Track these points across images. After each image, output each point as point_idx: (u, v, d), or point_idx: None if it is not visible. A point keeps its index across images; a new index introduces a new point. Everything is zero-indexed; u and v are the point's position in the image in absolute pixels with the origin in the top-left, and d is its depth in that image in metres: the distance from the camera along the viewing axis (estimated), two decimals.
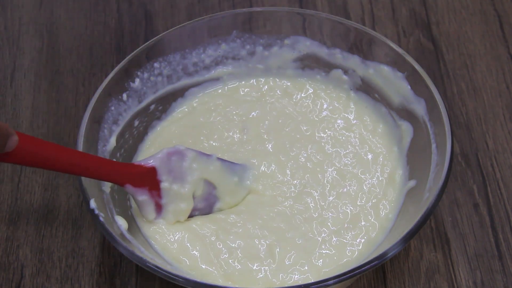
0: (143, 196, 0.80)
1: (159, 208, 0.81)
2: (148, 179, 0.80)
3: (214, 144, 0.88)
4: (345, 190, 0.84)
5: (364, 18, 1.05)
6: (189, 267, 0.79)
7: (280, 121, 0.90)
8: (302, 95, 0.92)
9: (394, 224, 0.81)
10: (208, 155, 0.83)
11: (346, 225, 0.81)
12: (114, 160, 0.84)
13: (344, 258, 0.79)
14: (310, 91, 0.92)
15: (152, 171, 0.80)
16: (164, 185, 0.81)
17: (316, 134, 0.89)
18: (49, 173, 0.92)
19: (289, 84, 0.93)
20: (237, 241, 0.81)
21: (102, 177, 0.78)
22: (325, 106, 0.91)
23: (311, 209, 0.83)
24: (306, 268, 0.79)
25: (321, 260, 0.79)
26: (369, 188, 0.84)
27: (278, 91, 0.93)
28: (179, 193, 0.81)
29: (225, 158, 0.86)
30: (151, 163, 0.80)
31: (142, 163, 0.80)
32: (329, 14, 0.90)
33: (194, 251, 0.80)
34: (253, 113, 0.91)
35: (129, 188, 0.79)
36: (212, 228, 0.82)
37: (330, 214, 0.82)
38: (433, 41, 1.02)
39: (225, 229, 0.82)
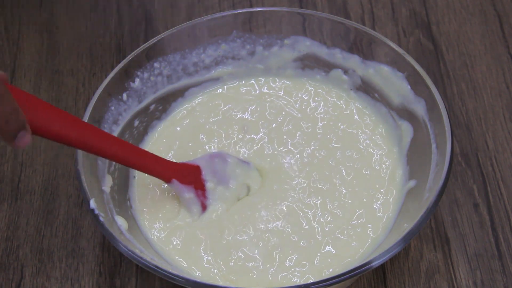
0: (189, 194, 0.82)
1: (204, 207, 0.82)
2: (194, 177, 0.82)
3: (215, 145, 0.88)
4: (345, 190, 0.84)
5: (364, 18, 1.05)
6: (189, 267, 0.79)
7: (279, 121, 0.90)
8: (302, 95, 0.92)
9: (394, 224, 0.81)
10: (246, 163, 0.85)
11: (346, 226, 0.81)
12: (113, 162, 0.84)
13: (344, 258, 0.79)
14: (310, 91, 0.92)
15: (197, 170, 0.82)
16: (209, 185, 0.82)
17: (316, 135, 0.89)
18: (49, 173, 0.92)
19: (289, 84, 0.93)
20: (238, 242, 0.81)
21: (150, 171, 0.80)
22: (325, 106, 0.91)
23: (311, 209, 0.83)
24: (306, 268, 0.79)
25: (321, 260, 0.79)
26: (369, 188, 0.84)
27: (278, 91, 0.93)
28: (224, 195, 0.83)
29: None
30: (196, 162, 0.83)
31: (188, 163, 0.82)
32: (329, 14, 0.90)
33: (194, 251, 0.80)
34: (253, 113, 0.91)
35: (175, 184, 0.81)
36: (213, 228, 0.82)
37: (330, 214, 0.82)
38: (433, 41, 1.02)
39: (226, 229, 0.82)
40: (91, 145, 0.74)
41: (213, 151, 0.86)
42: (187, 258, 0.80)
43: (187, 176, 0.82)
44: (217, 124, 0.90)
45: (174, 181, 0.81)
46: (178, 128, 0.90)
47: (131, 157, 0.79)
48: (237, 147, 0.88)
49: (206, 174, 0.83)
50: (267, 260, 0.79)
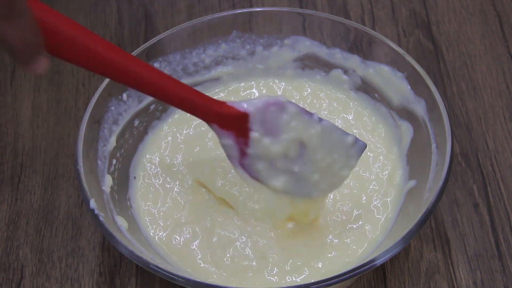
0: (228, 140, 0.73)
1: (242, 154, 0.74)
2: (237, 124, 0.73)
3: (221, 155, 0.88)
4: (346, 191, 0.84)
5: (364, 18, 1.05)
6: (189, 267, 0.79)
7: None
8: (302, 95, 0.92)
9: (394, 224, 0.81)
10: (310, 114, 0.75)
11: (346, 226, 0.81)
12: (116, 158, 0.84)
13: (344, 258, 0.79)
14: (310, 91, 0.92)
15: (244, 117, 0.72)
16: (254, 134, 0.73)
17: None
18: (49, 173, 0.92)
19: (288, 84, 0.93)
20: (239, 242, 0.81)
21: (188, 107, 0.71)
22: (324, 106, 0.91)
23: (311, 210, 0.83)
24: (306, 268, 0.79)
25: (321, 260, 0.79)
26: (369, 188, 0.84)
27: (278, 91, 0.93)
28: (269, 149, 0.74)
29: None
30: (245, 108, 0.72)
31: (235, 106, 0.72)
32: (329, 14, 0.90)
33: (195, 251, 0.80)
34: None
35: (214, 128, 0.72)
36: (214, 229, 0.82)
37: (330, 214, 0.82)
38: (433, 41, 1.02)
39: (227, 230, 0.82)
40: (122, 70, 0.65)
41: (275, 95, 0.76)
42: (188, 258, 0.80)
43: (230, 122, 0.72)
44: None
45: (214, 125, 0.72)
46: (181, 135, 0.90)
47: (170, 87, 0.69)
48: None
49: (253, 123, 0.73)
50: (269, 260, 0.79)
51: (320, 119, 0.75)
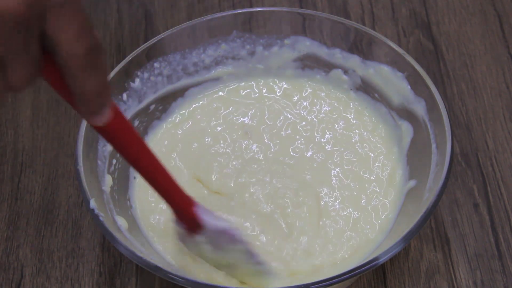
0: (179, 227, 0.75)
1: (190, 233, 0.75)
2: (194, 227, 0.74)
3: (218, 150, 0.88)
4: (346, 192, 0.84)
5: (364, 18, 1.05)
6: (189, 267, 0.79)
7: (279, 122, 0.90)
8: (302, 95, 0.92)
9: (394, 224, 0.81)
10: (254, 255, 0.77)
11: (346, 226, 0.81)
12: (116, 158, 0.84)
13: (344, 258, 0.79)
14: (310, 91, 0.92)
15: (200, 228, 0.74)
16: (200, 238, 0.75)
17: (316, 135, 0.89)
18: (49, 173, 0.92)
19: (288, 84, 0.93)
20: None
21: (169, 201, 0.72)
22: (324, 106, 0.91)
23: (312, 210, 0.83)
24: (306, 268, 0.79)
25: (321, 260, 0.79)
26: (369, 188, 0.84)
27: (277, 92, 0.93)
28: (205, 252, 0.76)
29: (233, 163, 0.86)
30: (205, 220, 0.74)
31: (199, 213, 0.74)
32: (329, 14, 0.90)
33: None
34: (254, 115, 0.91)
35: (175, 218, 0.74)
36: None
37: (331, 214, 0.82)
38: (433, 41, 1.02)
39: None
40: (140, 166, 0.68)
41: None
42: (188, 258, 0.80)
43: (188, 222, 0.74)
44: (218, 127, 0.90)
45: (175, 217, 0.74)
46: (180, 131, 0.90)
47: (157, 180, 0.71)
48: (240, 153, 0.87)
49: (203, 235, 0.74)
50: (270, 260, 0.79)
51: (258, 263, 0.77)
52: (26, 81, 0.57)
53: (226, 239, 0.75)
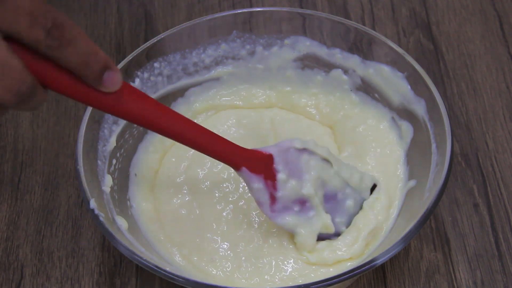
0: (258, 184, 0.77)
1: (273, 200, 0.78)
2: (265, 167, 0.76)
3: None
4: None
5: (364, 18, 1.05)
6: (189, 267, 0.79)
7: (279, 122, 0.90)
8: (302, 95, 0.92)
9: (394, 224, 0.81)
10: (326, 161, 0.79)
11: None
12: (116, 158, 0.84)
13: (344, 258, 0.79)
14: (310, 91, 0.92)
15: (269, 158, 0.76)
16: (281, 176, 0.77)
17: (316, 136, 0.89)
18: (49, 173, 0.92)
19: (289, 84, 0.93)
20: (239, 244, 0.81)
21: (218, 156, 0.75)
22: (324, 106, 0.91)
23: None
24: (307, 269, 0.79)
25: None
26: (369, 188, 0.84)
27: (277, 92, 0.93)
28: (297, 191, 0.78)
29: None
30: (268, 150, 0.77)
31: (259, 150, 0.76)
32: (329, 14, 0.90)
33: (196, 250, 0.80)
34: (255, 115, 0.91)
35: (244, 172, 0.75)
36: (215, 230, 0.82)
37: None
38: (433, 41, 1.02)
39: (228, 232, 0.82)
40: (156, 123, 0.69)
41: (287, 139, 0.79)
42: (188, 258, 0.80)
43: (258, 165, 0.76)
44: (218, 127, 0.90)
45: (244, 169, 0.75)
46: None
47: (199, 139, 0.73)
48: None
49: (278, 164, 0.76)
50: (270, 260, 0.79)
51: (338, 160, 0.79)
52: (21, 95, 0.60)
53: (294, 153, 0.77)
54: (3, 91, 0.59)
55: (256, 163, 0.76)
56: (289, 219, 0.78)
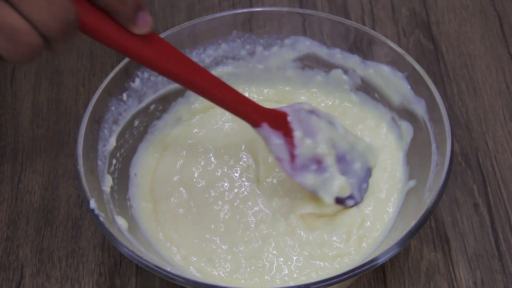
0: (278, 139, 0.78)
1: (292, 157, 0.79)
2: (282, 123, 0.78)
3: (221, 151, 0.88)
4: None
5: (364, 18, 1.05)
6: (189, 267, 0.79)
7: None
8: (302, 95, 0.92)
9: (394, 224, 0.81)
10: (331, 123, 0.82)
11: (347, 226, 0.81)
12: (116, 158, 0.84)
13: (344, 258, 0.79)
14: (310, 91, 0.92)
15: (285, 116, 0.78)
16: (297, 133, 0.78)
17: None
18: (49, 173, 0.92)
19: (289, 84, 0.93)
20: (240, 245, 0.81)
21: (238, 111, 0.76)
22: (325, 106, 0.91)
23: (312, 209, 0.83)
24: (307, 269, 0.79)
25: (321, 260, 0.79)
26: (369, 188, 0.84)
27: (277, 92, 0.93)
28: (313, 149, 0.79)
29: (240, 163, 0.86)
30: (283, 109, 0.78)
31: (275, 108, 0.78)
32: (329, 14, 0.90)
33: (195, 252, 0.80)
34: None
35: (265, 128, 0.77)
36: (215, 230, 0.82)
37: (331, 214, 0.82)
38: (433, 41, 1.02)
39: (229, 232, 0.82)
40: (181, 74, 0.71)
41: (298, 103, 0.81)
42: (188, 258, 0.80)
43: (277, 121, 0.77)
44: (218, 127, 0.90)
45: (264, 125, 0.76)
46: (180, 131, 0.90)
47: (221, 94, 0.74)
48: (243, 152, 0.88)
49: (293, 122, 0.78)
50: (270, 261, 0.79)
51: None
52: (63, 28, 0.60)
53: (305, 113, 0.79)
54: (51, 18, 0.59)
55: (275, 120, 0.77)
56: (309, 177, 0.79)
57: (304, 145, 0.79)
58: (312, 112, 0.81)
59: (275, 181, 0.84)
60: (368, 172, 0.84)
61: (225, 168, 0.86)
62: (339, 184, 0.80)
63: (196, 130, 0.90)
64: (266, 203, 0.83)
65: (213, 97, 0.75)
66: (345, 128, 0.84)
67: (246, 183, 0.85)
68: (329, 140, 0.80)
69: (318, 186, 0.80)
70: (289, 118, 0.78)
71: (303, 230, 0.81)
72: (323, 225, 0.82)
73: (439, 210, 0.87)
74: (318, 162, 0.80)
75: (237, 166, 0.86)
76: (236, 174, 0.85)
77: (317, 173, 0.80)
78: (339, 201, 0.81)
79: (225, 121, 0.90)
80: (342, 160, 0.82)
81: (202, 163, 0.86)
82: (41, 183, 0.91)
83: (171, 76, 0.71)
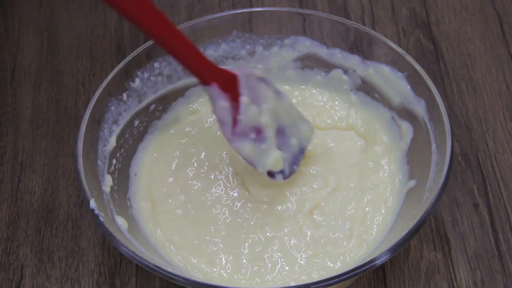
0: (225, 103, 0.77)
1: (235, 123, 0.78)
2: (232, 86, 0.77)
3: (220, 153, 0.88)
4: (345, 192, 0.84)
5: (364, 18, 1.05)
6: (189, 267, 0.79)
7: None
8: (302, 95, 0.92)
9: (394, 224, 0.81)
10: (279, 92, 0.81)
11: (347, 225, 0.81)
12: (116, 158, 0.84)
13: (344, 257, 0.79)
14: (310, 91, 0.92)
15: (235, 79, 0.77)
16: (244, 99, 0.78)
17: (316, 135, 0.89)
18: (49, 173, 0.92)
19: (289, 84, 0.93)
20: (240, 245, 0.81)
21: (191, 67, 0.75)
22: (325, 106, 0.91)
23: (313, 209, 0.83)
24: (309, 268, 0.79)
25: (321, 260, 0.79)
26: (369, 187, 0.84)
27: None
28: (256, 118, 0.78)
29: (239, 163, 0.86)
30: (234, 71, 0.77)
31: (227, 69, 0.77)
32: (329, 14, 0.90)
33: (195, 253, 0.80)
34: None
35: (214, 89, 0.76)
36: (215, 230, 0.82)
37: (330, 214, 0.82)
38: (433, 41, 1.02)
39: (229, 232, 0.81)
40: (143, 20, 0.70)
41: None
42: (188, 258, 0.80)
43: (227, 83, 0.76)
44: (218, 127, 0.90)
45: (214, 85, 0.76)
46: (180, 131, 0.90)
47: (178, 45, 0.74)
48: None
49: (242, 87, 0.77)
50: (271, 261, 0.79)
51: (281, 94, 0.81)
52: None
53: (256, 80, 0.78)
54: None
55: (225, 81, 0.76)
56: (246, 145, 0.78)
57: (249, 112, 0.78)
58: (261, 79, 0.79)
59: (261, 190, 0.84)
60: (301, 152, 0.83)
61: (216, 172, 0.86)
62: (274, 158, 0.80)
63: (188, 128, 0.90)
64: (268, 207, 0.83)
65: (169, 48, 0.73)
66: (291, 102, 0.83)
67: (239, 187, 0.85)
68: (273, 111, 0.79)
69: (254, 156, 0.79)
70: (239, 82, 0.77)
71: (310, 228, 0.81)
72: (328, 221, 0.82)
73: (439, 210, 0.87)
74: (258, 132, 0.79)
75: (229, 168, 0.86)
76: (230, 177, 0.85)
77: (255, 142, 0.79)
78: (270, 174, 0.81)
79: (214, 120, 0.90)
80: (281, 133, 0.81)
81: (195, 165, 0.86)
82: (41, 183, 0.91)
83: (133, 20, 0.70)
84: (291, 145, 0.82)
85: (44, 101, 0.98)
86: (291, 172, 0.82)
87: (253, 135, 0.79)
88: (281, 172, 0.81)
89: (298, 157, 0.83)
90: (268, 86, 0.80)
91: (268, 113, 0.79)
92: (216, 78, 0.76)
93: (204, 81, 0.76)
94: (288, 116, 0.81)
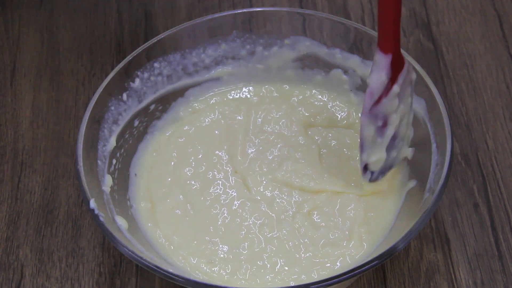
0: (386, 78, 0.76)
1: (377, 102, 0.77)
2: (395, 69, 0.76)
3: (219, 152, 0.88)
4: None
5: (364, 18, 1.05)
6: (188, 267, 0.79)
7: (280, 122, 0.90)
8: (302, 95, 0.92)
9: (394, 224, 0.81)
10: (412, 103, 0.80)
11: (347, 225, 0.81)
12: (116, 158, 0.84)
13: (344, 258, 0.79)
14: (310, 91, 0.92)
15: (403, 66, 0.76)
16: (396, 88, 0.77)
17: (316, 135, 0.89)
18: (49, 173, 0.92)
19: (289, 84, 0.93)
20: (240, 245, 0.81)
21: (387, 30, 0.75)
22: (325, 106, 0.91)
23: (312, 209, 0.83)
24: (309, 268, 0.79)
25: (321, 260, 0.79)
26: (369, 187, 0.84)
27: (277, 92, 0.93)
28: (392, 111, 0.78)
29: (238, 162, 0.86)
30: (405, 58, 0.76)
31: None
32: (329, 14, 0.90)
33: (195, 253, 0.80)
34: (254, 115, 0.91)
35: (386, 59, 0.75)
36: (214, 230, 0.82)
37: (330, 214, 0.82)
38: (433, 41, 1.02)
39: (229, 232, 0.82)
40: None
41: None
42: (188, 258, 0.80)
43: (395, 63, 0.75)
44: (219, 127, 0.90)
45: (389, 56, 0.74)
46: (180, 131, 0.90)
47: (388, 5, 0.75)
48: (240, 152, 0.88)
49: (401, 76, 0.76)
50: (272, 261, 0.79)
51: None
52: None
53: (408, 80, 0.77)
54: None
55: (396, 61, 0.75)
56: (371, 127, 0.78)
57: (392, 101, 0.77)
58: (411, 82, 0.78)
59: (261, 189, 0.84)
60: (390, 167, 0.82)
61: (215, 171, 0.86)
62: (378, 156, 0.80)
63: (186, 127, 0.90)
64: (267, 206, 0.83)
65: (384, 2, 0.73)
66: (411, 121, 0.82)
67: (238, 186, 0.85)
68: (402, 116, 0.79)
69: (368, 141, 0.79)
70: (403, 70, 0.76)
71: (310, 229, 0.81)
72: (328, 221, 0.81)
73: (439, 210, 0.87)
74: (384, 124, 0.78)
75: (227, 167, 0.86)
76: (228, 176, 0.85)
77: (377, 131, 0.78)
78: (365, 167, 0.81)
79: (212, 119, 0.90)
80: (393, 139, 0.80)
81: (193, 164, 0.86)
82: (41, 183, 0.91)
83: None
84: (392, 154, 0.81)
85: (44, 101, 0.98)
86: (376, 179, 0.82)
87: (379, 123, 0.78)
88: (371, 173, 0.81)
89: (387, 169, 0.82)
90: (412, 91, 0.79)
91: (400, 114, 0.78)
92: (394, 52, 0.74)
93: (385, 46, 0.74)
94: (405, 129, 0.81)
